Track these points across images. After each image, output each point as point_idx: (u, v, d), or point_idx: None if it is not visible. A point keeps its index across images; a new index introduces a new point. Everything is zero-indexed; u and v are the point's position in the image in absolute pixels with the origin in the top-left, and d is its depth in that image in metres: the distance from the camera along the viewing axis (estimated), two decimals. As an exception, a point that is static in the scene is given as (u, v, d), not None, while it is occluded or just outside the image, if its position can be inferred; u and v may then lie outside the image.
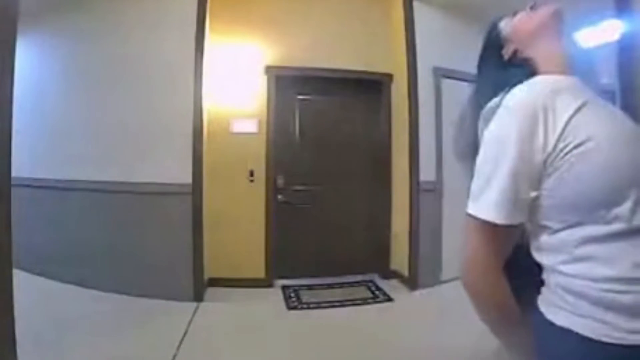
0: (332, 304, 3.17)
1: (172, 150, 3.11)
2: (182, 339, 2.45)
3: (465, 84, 3.28)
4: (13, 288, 1.46)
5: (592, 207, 0.64)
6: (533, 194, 0.68)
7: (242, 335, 2.62)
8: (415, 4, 3.53)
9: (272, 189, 3.64)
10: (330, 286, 3.55)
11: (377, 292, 3.43)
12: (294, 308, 3.11)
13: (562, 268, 0.68)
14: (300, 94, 3.79)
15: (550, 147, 0.66)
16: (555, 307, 0.69)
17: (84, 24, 3.21)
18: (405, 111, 3.56)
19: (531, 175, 0.67)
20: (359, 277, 3.75)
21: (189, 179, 3.08)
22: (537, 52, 0.81)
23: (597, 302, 0.64)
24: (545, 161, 0.66)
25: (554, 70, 0.78)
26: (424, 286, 3.43)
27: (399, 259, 3.72)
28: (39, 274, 3.08)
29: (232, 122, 3.58)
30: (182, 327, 2.61)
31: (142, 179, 3.06)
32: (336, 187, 3.84)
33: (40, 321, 2.30)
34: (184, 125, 3.09)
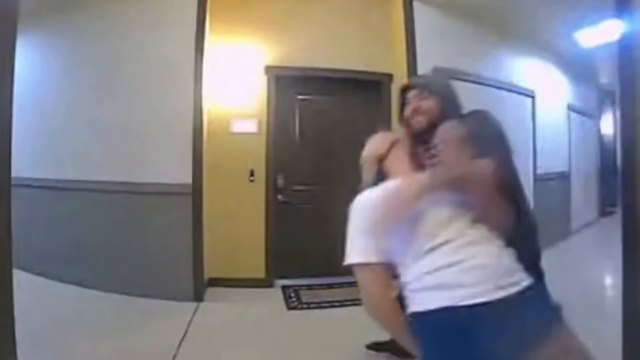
0: (332, 304, 3.17)
1: (172, 150, 3.11)
2: (182, 339, 2.46)
3: (465, 84, 3.28)
4: (13, 288, 1.46)
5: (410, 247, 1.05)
6: (381, 243, 1.05)
7: (242, 335, 2.62)
8: (415, 4, 3.52)
9: (272, 189, 3.64)
10: (330, 286, 3.54)
11: (377, 292, 3.43)
12: (294, 308, 3.11)
13: (410, 283, 1.05)
14: (300, 94, 3.79)
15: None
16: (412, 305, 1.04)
17: (84, 24, 3.21)
18: (405, 111, 3.55)
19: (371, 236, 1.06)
20: (359, 277, 3.75)
21: (189, 179, 3.08)
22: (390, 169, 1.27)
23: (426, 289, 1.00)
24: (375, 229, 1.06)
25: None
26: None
27: (399, 259, 3.72)
28: (39, 274, 3.07)
29: (232, 122, 3.58)
30: (182, 327, 2.61)
31: (142, 179, 3.06)
32: (336, 187, 3.82)
33: (40, 321, 2.30)
34: (184, 125, 3.09)
